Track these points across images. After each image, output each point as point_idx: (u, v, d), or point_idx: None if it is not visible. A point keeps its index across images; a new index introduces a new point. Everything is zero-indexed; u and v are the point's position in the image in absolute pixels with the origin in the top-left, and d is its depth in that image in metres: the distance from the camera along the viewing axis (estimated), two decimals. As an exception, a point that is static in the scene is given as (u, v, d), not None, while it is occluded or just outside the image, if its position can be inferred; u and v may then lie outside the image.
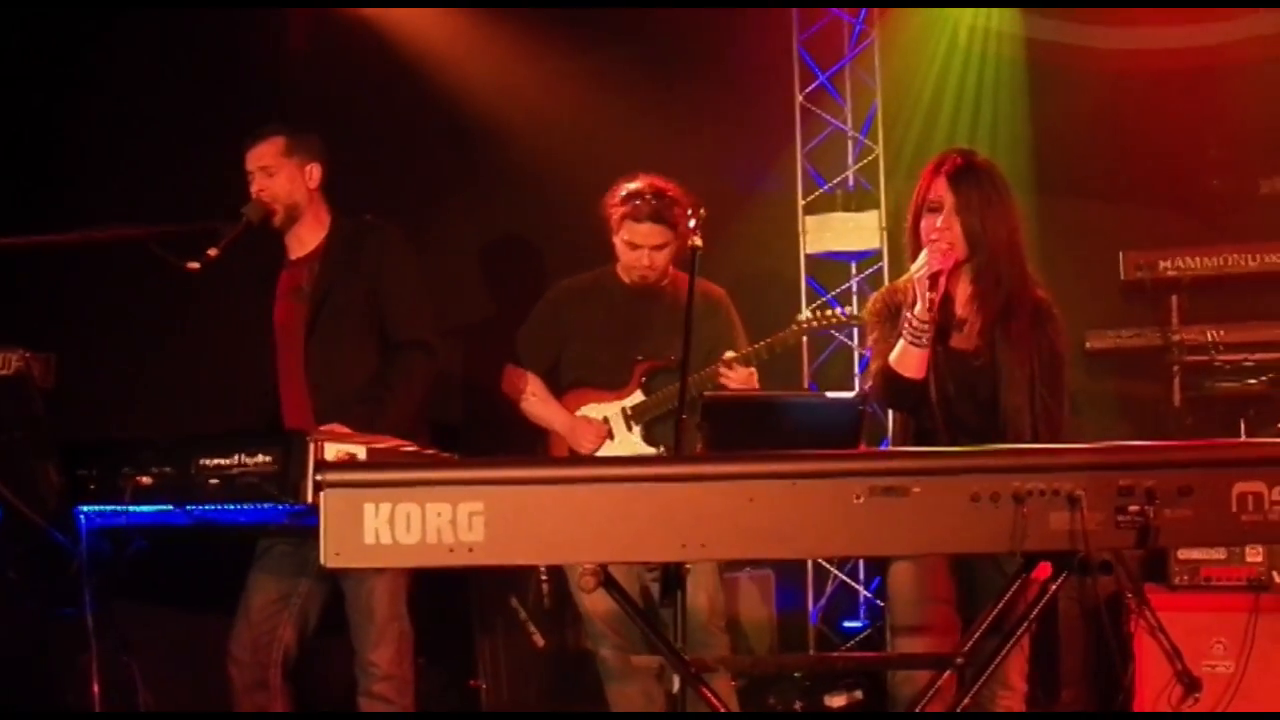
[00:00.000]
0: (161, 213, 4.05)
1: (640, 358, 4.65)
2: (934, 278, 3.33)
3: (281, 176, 4.26)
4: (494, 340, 6.23)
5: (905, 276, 3.42)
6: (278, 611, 4.15)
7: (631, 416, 4.66)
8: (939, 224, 3.39)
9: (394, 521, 2.41)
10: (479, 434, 6.08)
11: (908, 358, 3.36)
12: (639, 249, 4.56)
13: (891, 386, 3.37)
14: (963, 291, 3.48)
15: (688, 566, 2.96)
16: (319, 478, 2.42)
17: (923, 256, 3.36)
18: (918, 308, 3.33)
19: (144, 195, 5.66)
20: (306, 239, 4.34)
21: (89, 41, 6.06)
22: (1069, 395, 3.49)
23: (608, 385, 4.68)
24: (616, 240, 4.62)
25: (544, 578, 4.97)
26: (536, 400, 4.72)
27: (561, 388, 4.74)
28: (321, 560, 2.42)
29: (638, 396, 4.66)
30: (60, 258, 4.25)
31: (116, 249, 3.99)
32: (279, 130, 4.31)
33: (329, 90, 6.17)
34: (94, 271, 5.32)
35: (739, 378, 4.41)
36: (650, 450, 4.58)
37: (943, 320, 3.42)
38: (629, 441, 4.65)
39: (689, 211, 4.19)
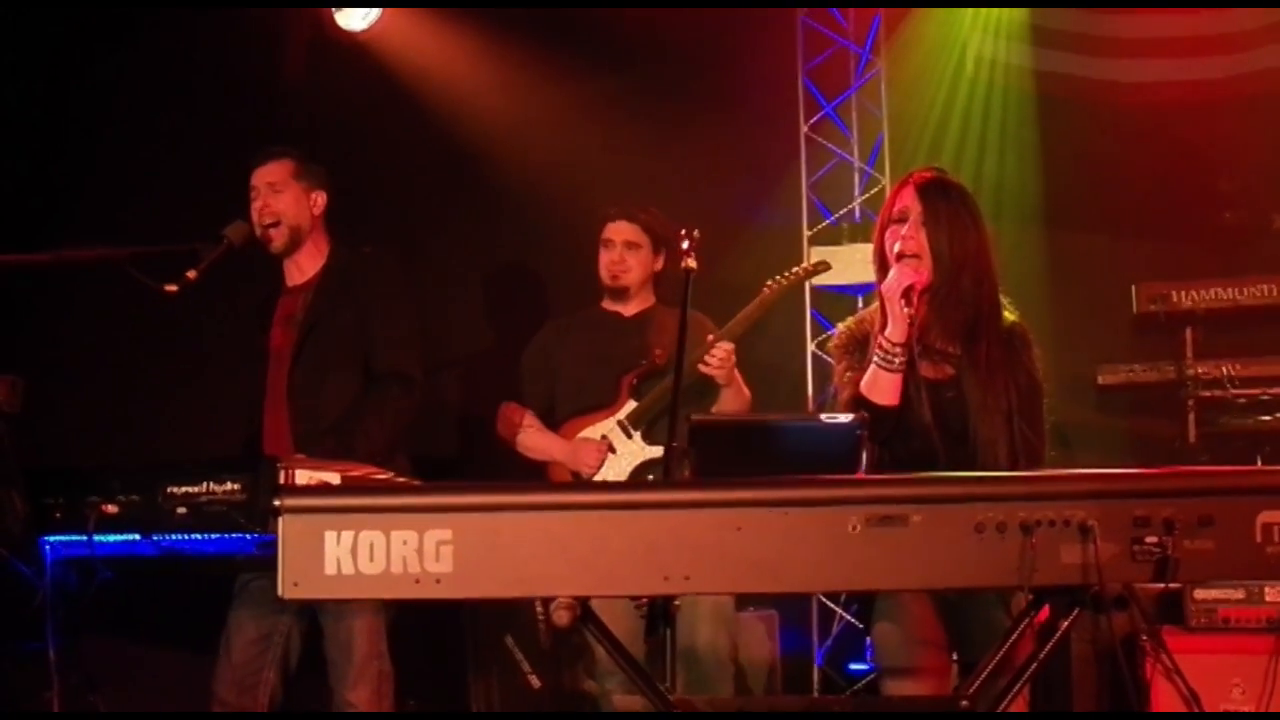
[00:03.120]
0: (150, 237, 3.95)
1: (623, 373, 4.70)
2: (907, 293, 3.16)
3: (287, 196, 4.25)
4: (492, 372, 6.16)
5: (873, 306, 3.27)
6: (260, 652, 4.05)
7: (629, 425, 4.66)
8: (903, 232, 3.24)
9: (356, 550, 2.26)
10: (475, 469, 5.98)
11: (880, 383, 3.18)
12: (611, 245, 4.73)
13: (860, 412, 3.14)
14: (929, 317, 3.28)
15: (678, 601, 2.78)
16: (277, 502, 2.26)
17: (893, 273, 3.21)
18: (889, 329, 3.17)
19: (134, 221, 5.58)
20: (305, 267, 4.31)
21: (80, 68, 6.02)
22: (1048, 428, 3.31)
23: (598, 406, 4.70)
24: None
25: (540, 616, 4.87)
26: (532, 431, 4.75)
27: (556, 423, 4.75)
28: (279, 591, 2.27)
29: (630, 405, 4.68)
30: (31, 278, 4.15)
31: (90, 270, 3.88)
32: (290, 153, 4.32)
33: (325, 119, 6.13)
34: (65, 292, 5.24)
35: (721, 355, 4.44)
36: (656, 451, 4.55)
37: (910, 348, 3.24)
38: (631, 450, 4.65)
39: (681, 232, 4.20)
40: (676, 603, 2.72)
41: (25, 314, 5.44)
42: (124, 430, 5.53)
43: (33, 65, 5.86)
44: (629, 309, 4.80)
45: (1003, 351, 3.23)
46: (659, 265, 4.79)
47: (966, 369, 3.23)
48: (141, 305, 3.92)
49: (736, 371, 4.56)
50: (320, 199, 4.31)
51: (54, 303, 5.42)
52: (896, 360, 3.17)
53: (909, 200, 3.27)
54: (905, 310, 3.15)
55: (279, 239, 4.22)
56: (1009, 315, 3.32)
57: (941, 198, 3.26)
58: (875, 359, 3.19)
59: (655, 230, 4.75)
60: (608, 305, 4.83)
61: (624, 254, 4.72)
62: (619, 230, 4.74)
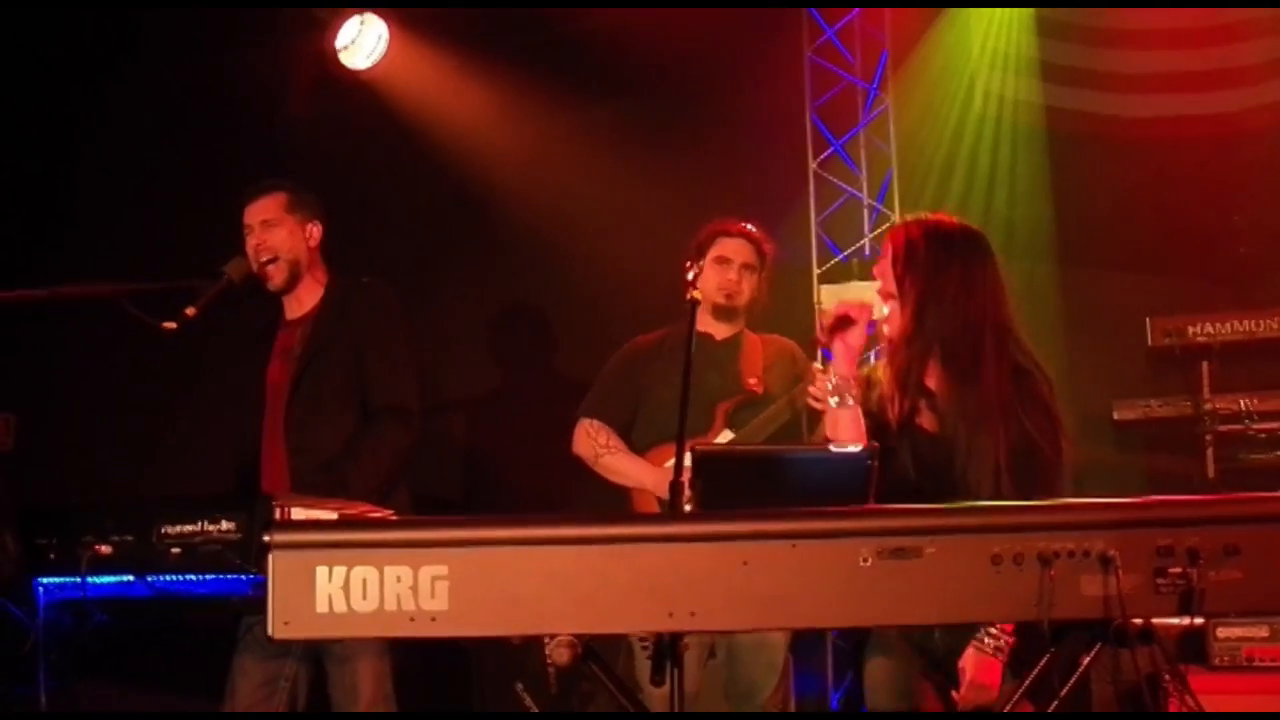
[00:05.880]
0: (153, 274, 3.92)
1: (719, 400, 4.50)
2: (840, 321, 3.20)
3: (282, 231, 4.18)
4: (494, 409, 6.12)
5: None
6: (266, 697, 3.98)
7: None
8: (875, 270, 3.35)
9: (349, 587, 2.19)
10: (479, 508, 5.92)
11: (840, 422, 3.19)
12: (729, 264, 4.52)
13: None
14: (903, 361, 3.25)
15: (686, 640, 2.69)
16: (266, 538, 2.19)
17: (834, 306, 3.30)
18: (834, 363, 3.21)
19: (141, 257, 5.62)
20: (304, 299, 4.26)
21: (89, 104, 6.06)
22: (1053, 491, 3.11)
23: (692, 433, 4.46)
24: (700, 269, 4.48)
25: (550, 661, 4.78)
26: (621, 455, 4.55)
27: (641, 449, 4.57)
28: (269, 631, 2.19)
29: (725, 435, 4.49)
30: (27, 315, 4.11)
31: (91, 307, 3.84)
32: (281, 185, 4.25)
33: (330, 156, 6.15)
34: (61, 329, 5.23)
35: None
36: None
37: (908, 398, 3.21)
38: None
39: (765, 253, 4.34)
40: (685, 641, 2.63)
41: (18, 350, 5.43)
42: (119, 468, 5.51)
43: (36, 101, 5.88)
44: (721, 332, 4.59)
45: (998, 401, 3.12)
46: (760, 290, 4.64)
47: (955, 419, 3.15)
48: (138, 342, 3.87)
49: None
50: (316, 230, 4.24)
51: (49, 339, 5.41)
52: (848, 396, 3.19)
53: (886, 245, 3.31)
54: (840, 340, 3.20)
55: (278, 275, 4.17)
56: (1022, 361, 3.21)
57: (912, 244, 3.23)
58: (829, 396, 3.21)
59: (765, 255, 4.59)
60: (698, 325, 4.56)
61: (741, 275, 4.53)
62: (739, 250, 4.55)
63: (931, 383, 3.22)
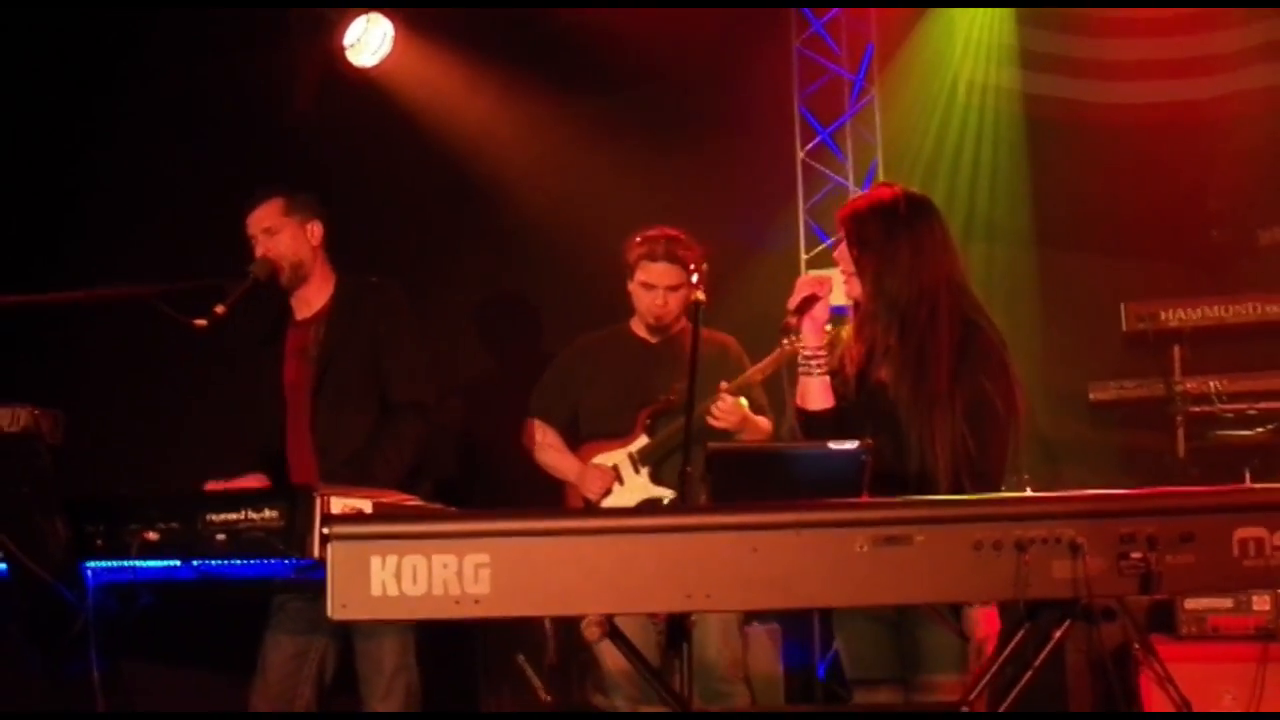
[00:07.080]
0: (169, 272, 4.08)
1: (642, 404, 4.72)
2: (806, 301, 3.32)
3: (284, 235, 4.31)
4: (494, 398, 6.26)
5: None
6: (295, 670, 4.18)
7: (638, 460, 4.73)
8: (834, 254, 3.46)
9: (400, 573, 2.42)
10: (479, 491, 6.08)
11: (807, 390, 3.36)
12: (654, 289, 4.65)
13: (804, 425, 3.36)
14: (862, 331, 3.41)
15: (694, 618, 2.94)
16: (325, 530, 2.43)
17: (797, 284, 3.40)
18: (803, 336, 3.35)
19: (150, 255, 5.71)
20: (312, 299, 4.39)
21: (98, 103, 6.13)
22: (1006, 450, 3.27)
23: (615, 434, 4.76)
24: (632, 287, 4.72)
25: (550, 634, 4.98)
26: (550, 450, 4.83)
27: (578, 442, 4.84)
28: (328, 612, 2.43)
29: (642, 440, 4.74)
30: (68, 315, 4.26)
31: (124, 307, 4.01)
32: (276, 191, 4.37)
33: (333, 151, 6.22)
34: (102, 329, 5.34)
35: (724, 408, 4.46)
36: (659, 490, 4.66)
37: (866, 358, 3.37)
38: (637, 484, 4.72)
39: (691, 265, 4.36)
40: (693, 619, 2.87)
41: (64, 349, 5.55)
42: (160, 461, 5.62)
43: (45, 102, 5.95)
44: (654, 338, 4.78)
45: (950, 364, 3.25)
46: (691, 294, 4.62)
47: (911, 374, 3.28)
48: (173, 340, 4.04)
49: (749, 413, 4.52)
50: (316, 228, 4.36)
51: (91, 338, 5.51)
52: (814, 366, 3.36)
53: (839, 229, 3.44)
54: (800, 317, 3.32)
55: (285, 275, 4.31)
56: (974, 316, 3.34)
57: (861, 222, 3.36)
58: (799, 368, 3.38)
59: (691, 266, 4.56)
60: (636, 328, 4.80)
61: (667, 298, 4.64)
62: (663, 275, 4.62)
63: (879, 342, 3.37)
